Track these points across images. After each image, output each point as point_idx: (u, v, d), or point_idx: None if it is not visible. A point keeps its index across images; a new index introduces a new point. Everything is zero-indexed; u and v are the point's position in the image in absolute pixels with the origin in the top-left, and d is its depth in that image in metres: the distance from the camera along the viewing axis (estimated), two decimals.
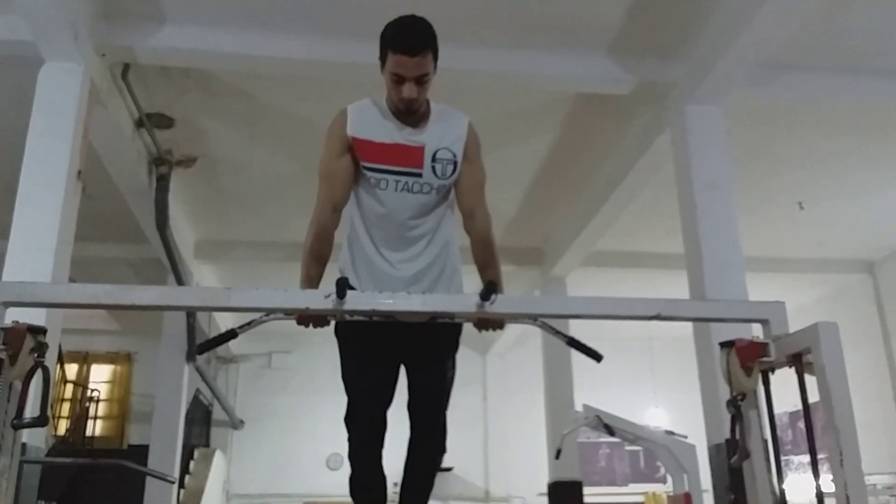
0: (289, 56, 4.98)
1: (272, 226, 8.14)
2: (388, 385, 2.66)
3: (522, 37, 5.05)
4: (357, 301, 2.32)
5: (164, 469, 7.59)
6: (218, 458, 10.98)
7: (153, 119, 5.79)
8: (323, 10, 4.75)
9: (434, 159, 2.60)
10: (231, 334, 2.50)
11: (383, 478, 2.73)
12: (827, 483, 2.02)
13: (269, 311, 2.38)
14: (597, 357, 2.46)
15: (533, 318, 2.46)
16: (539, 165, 6.89)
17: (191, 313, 7.71)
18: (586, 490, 8.47)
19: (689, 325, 4.92)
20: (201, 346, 2.56)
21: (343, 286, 2.22)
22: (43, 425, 2.22)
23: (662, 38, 5.11)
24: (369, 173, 2.61)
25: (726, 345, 2.11)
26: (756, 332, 2.25)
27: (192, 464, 10.15)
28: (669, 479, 7.56)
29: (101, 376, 11.46)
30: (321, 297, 2.31)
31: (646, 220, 7.73)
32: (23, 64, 4.60)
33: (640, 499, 10.51)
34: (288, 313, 2.42)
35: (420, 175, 2.60)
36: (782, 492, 2.14)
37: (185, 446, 8.76)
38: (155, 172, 6.23)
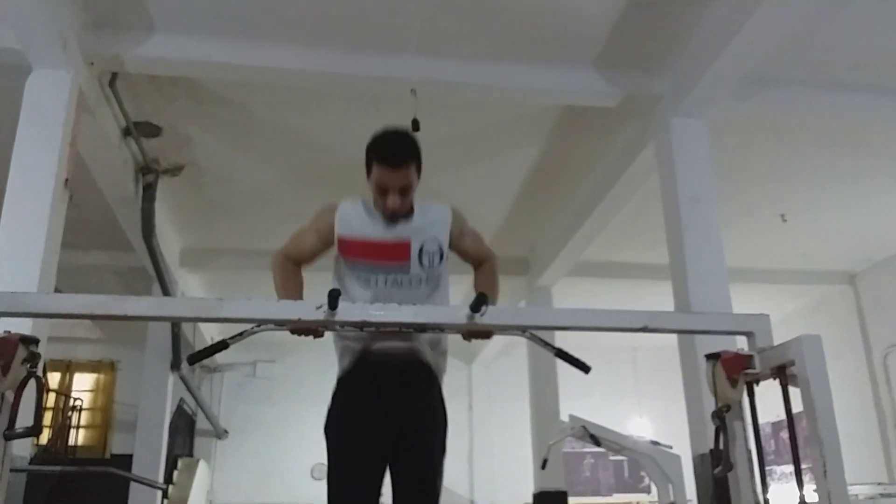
0: (277, 66, 5.00)
1: (258, 235, 8.12)
2: (374, 489, 2.63)
3: (509, 49, 5.09)
4: (348, 312, 2.34)
5: (149, 478, 7.56)
6: (202, 468, 10.90)
7: (140, 127, 5.78)
8: (312, 21, 4.78)
9: (421, 252, 2.69)
10: (222, 345, 2.51)
11: None
12: (810, 493, 2.06)
13: (261, 322, 2.40)
14: (585, 368, 2.49)
15: (522, 330, 2.49)
16: (525, 176, 6.94)
17: (175, 323, 7.68)
18: (571, 500, 8.50)
19: (673, 336, 4.96)
20: (192, 356, 2.57)
21: (335, 297, 2.24)
22: (36, 435, 2.23)
23: (648, 52, 5.17)
24: (358, 271, 2.69)
25: (712, 357, 2.14)
26: (740, 344, 2.29)
27: (175, 473, 10.07)
28: (653, 488, 7.59)
29: (83, 385, 11.38)
30: (313, 309, 2.33)
31: (631, 231, 7.79)
32: (10, 71, 4.58)
33: None
34: (279, 324, 2.43)
35: (407, 270, 2.68)
36: (766, 501, 2.17)
37: (168, 456, 8.70)
38: (141, 181, 6.21)
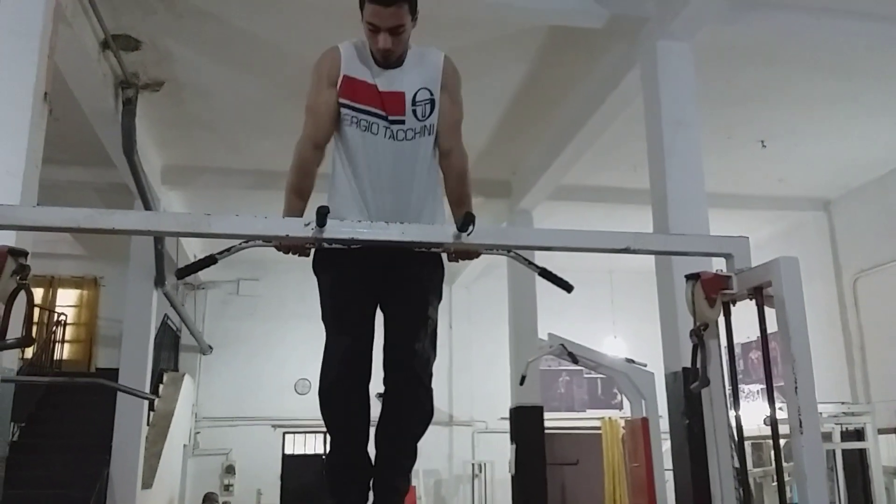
0: None
1: (239, 152, 8.07)
2: (368, 318, 2.61)
3: None
4: (336, 230, 2.37)
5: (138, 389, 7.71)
6: (187, 382, 11.10)
7: (119, 41, 5.66)
8: None
9: (414, 103, 2.61)
10: (211, 260, 2.52)
11: (365, 434, 2.59)
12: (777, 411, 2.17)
13: (249, 238, 2.42)
14: (567, 288, 2.55)
15: (507, 250, 2.54)
16: (509, 98, 6.90)
17: (159, 239, 7.67)
18: (546, 415, 8.75)
19: (649, 259, 5.04)
20: (181, 270, 2.58)
21: (323, 215, 2.26)
22: (28, 345, 2.26)
23: None
24: (359, 115, 2.61)
25: (692, 277, 2.20)
26: (717, 265, 2.35)
27: (161, 387, 10.24)
28: (626, 405, 7.84)
29: (67, 301, 11.43)
30: (301, 226, 2.36)
31: (613, 155, 7.81)
32: None
33: (597, 423, 10.86)
34: (267, 241, 2.46)
35: (403, 122, 2.61)
36: (738, 417, 2.27)
37: (153, 370, 8.82)
38: (121, 96, 6.11)
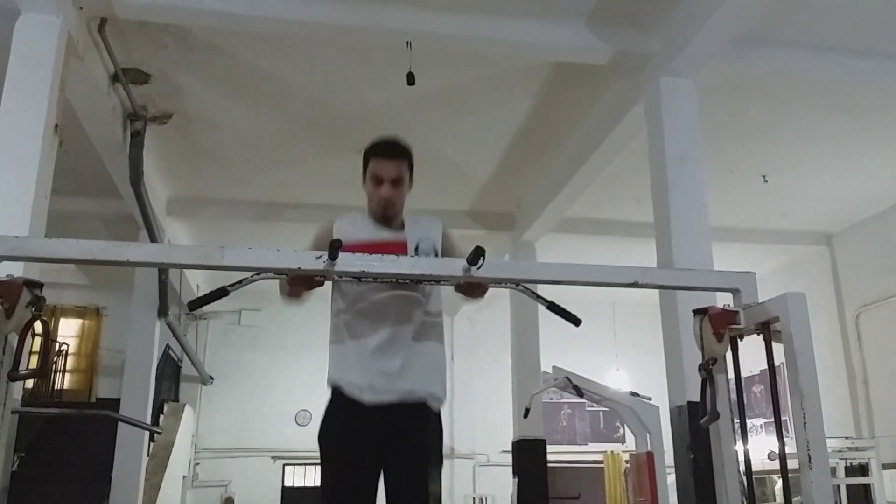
0: (269, 15, 4.97)
1: (245, 184, 8.13)
2: (368, 494, 2.62)
3: (502, 3, 5.09)
4: (347, 263, 2.39)
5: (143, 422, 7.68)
6: (187, 413, 11.05)
7: (129, 74, 5.73)
8: None
9: (417, 250, 2.75)
10: (222, 292, 2.54)
11: None
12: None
13: (261, 271, 2.45)
14: (576, 322, 2.57)
15: (515, 284, 2.56)
16: (514, 132, 6.96)
17: (163, 270, 7.70)
18: (547, 448, 8.69)
19: (652, 292, 5.05)
20: (193, 303, 2.61)
21: (336, 248, 2.29)
22: (43, 377, 2.28)
23: (640, 10, 5.19)
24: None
25: (700, 312, 2.22)
26: (720, 302, 2.36)
27: (161, 418, 10.20)
28: (628, 439, 7.79)
29: (68, 330, 11.43)
30: (313, 259, 2.39)
31: (616, 188, 7.85)
32: None
33: (600, 457, 10.76)
34: (279, 273, 2.48)
35: None
36: (747, 452, 2.28)
37: (154, 401, 8.80)
38: (129, 128, 6.18)
